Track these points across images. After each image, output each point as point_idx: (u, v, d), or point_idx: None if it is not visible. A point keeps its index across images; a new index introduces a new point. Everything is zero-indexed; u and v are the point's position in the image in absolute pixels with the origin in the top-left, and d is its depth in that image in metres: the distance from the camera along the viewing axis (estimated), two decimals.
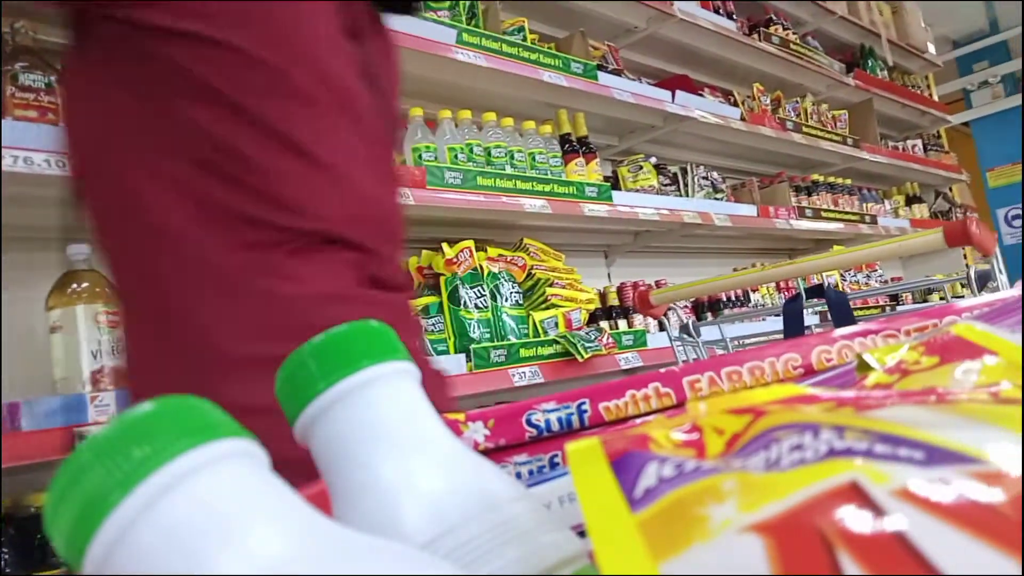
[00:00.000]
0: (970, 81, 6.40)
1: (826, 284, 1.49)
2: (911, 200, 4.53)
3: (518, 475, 0.42)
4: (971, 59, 6.48)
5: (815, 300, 1.27)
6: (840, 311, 1.31)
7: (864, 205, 3.88)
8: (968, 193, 5.38)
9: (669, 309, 1.63)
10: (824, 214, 3.40)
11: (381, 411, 0.29)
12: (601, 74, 2.43)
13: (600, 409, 0.43)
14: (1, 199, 1.35)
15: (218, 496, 0.22)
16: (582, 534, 0.29)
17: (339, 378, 0.29)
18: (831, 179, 3.77)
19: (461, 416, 0.42)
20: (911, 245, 1.22)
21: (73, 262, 1.32)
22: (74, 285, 1.30)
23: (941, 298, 3.77)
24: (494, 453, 0.42)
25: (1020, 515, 0.16)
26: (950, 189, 5.06)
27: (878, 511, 0.17)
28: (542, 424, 0.42)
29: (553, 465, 0.42)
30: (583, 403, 0.43)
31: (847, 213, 3.59)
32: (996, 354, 0.28)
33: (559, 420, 0.43)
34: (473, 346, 1.78)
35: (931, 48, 4.87)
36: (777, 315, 1.32)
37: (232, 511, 0.22)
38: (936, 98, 5.25)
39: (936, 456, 0.18)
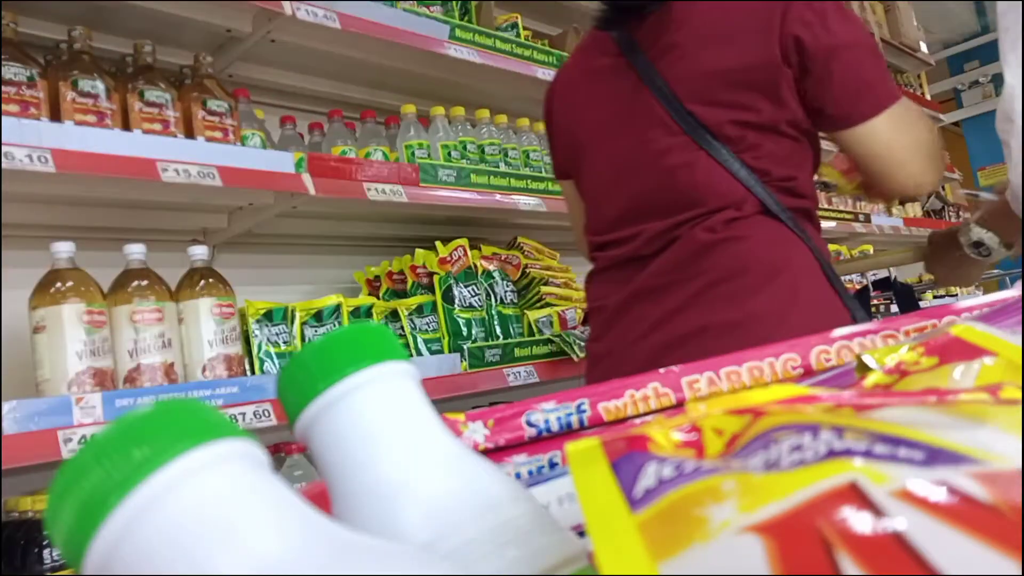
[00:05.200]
0: (961, 81, 6.42)
1: (892, 277, 1.64)
2: (904, 199, 4.54)
3: (518, 475, 0.42)
4: (961, 59, 6.50)
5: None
6: (905, 299, 1.60)
7: (857, 204, 3.89)
8: (961, 192, 5.41)
9: None
10: (818, 212, 3.41)
11: (381, 411, 0.29)
12: None
13: (599, 409, 0.43)
14: (1, 198, 1.33)
15: (217, 497, 0.22)
16: (582, 534, 0.29)
17: (339, 378, 0.29)
18: (825, 178, 3.77)
19: (461, 416, 0.42)
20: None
21: (57, 260, 1.28)
22: (58, 284, 1.25)
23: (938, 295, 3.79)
24: (494, 453, 0.42)
25: (1020, 515, 0.16)
26: (943, 188, 5.08)
27: (877, 512, 0.17)
28: (541, 424, 0.42)
29: (553, 465, 0.42)
30: (582, 403, 0.43)
31: (841, 212, 3.59)
32: (996, 354, 0.28)
33: (558, 420, 0.43)
34: (468, 345, 1.78)
35: (923, 47, 4.88)
36: None
37: (231, 512, 0.22)
38: (928, 97, 5.26)
39: (936, 456, 0.19)
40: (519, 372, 1.85)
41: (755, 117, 1.15)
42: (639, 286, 1.21)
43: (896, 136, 1.16)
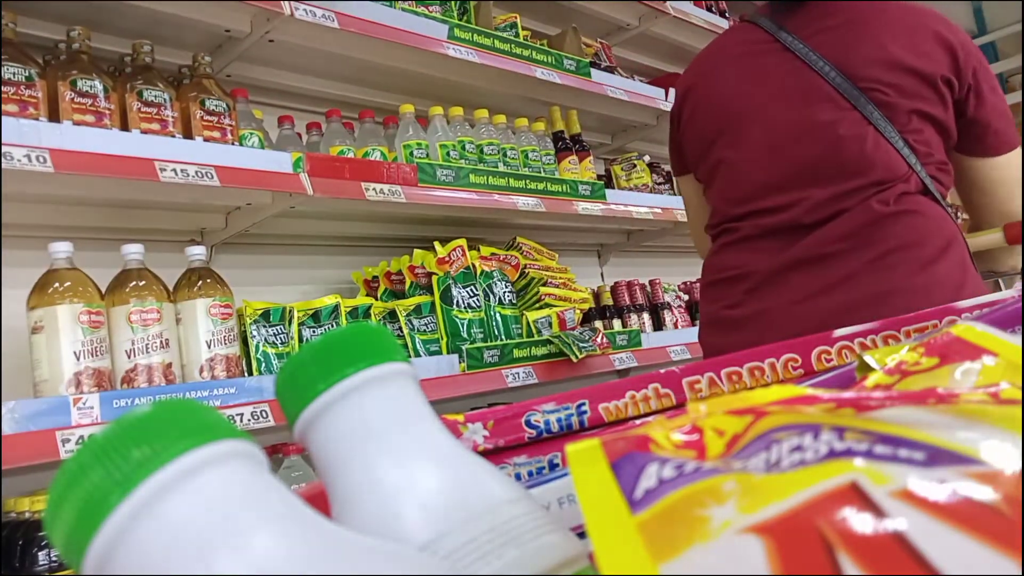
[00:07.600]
0: None
1: None
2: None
3: (517, 476, 0.42)
4: None
5: None
6: None
7: None
8: None
9: None
10: None
11: (380, 412, 0.29)
12: (594, 71, 2.42)
13: (600, 410, 0.43)
14: (1, 199, 1.33)
15: (217, 497, 0.22)
16: (582, 535, 0.29)
17: (338, 379, 0.29)
18: None
19: (460, 417, 0.42)
20: (975, 242, 1.37)
21: (55, 260, 1.28)
22: (56, 284, 1.25)
23: None
24: (493, 454, 0.42)
25: (1019, 515, 0.16)
26: None
27: (878, 512, 0.17)
28: (541, 425, 0.42)
29: (553, 466, 0.42)
30: (582, 404, 0.43)
31: None
32: (996, 354, 0.28)
33: (559, 421, 0.43)
34: (466, 346, 1.78)
35: None
36: None
37: (230, 512, 0.22)
38: None
39: (936, 457, 0.19)
40: (518, 373, 1.85)
41: (922, 105, 1.23)
42: (801, 254, 1.25)
43: (1018, 169, 1.33)
